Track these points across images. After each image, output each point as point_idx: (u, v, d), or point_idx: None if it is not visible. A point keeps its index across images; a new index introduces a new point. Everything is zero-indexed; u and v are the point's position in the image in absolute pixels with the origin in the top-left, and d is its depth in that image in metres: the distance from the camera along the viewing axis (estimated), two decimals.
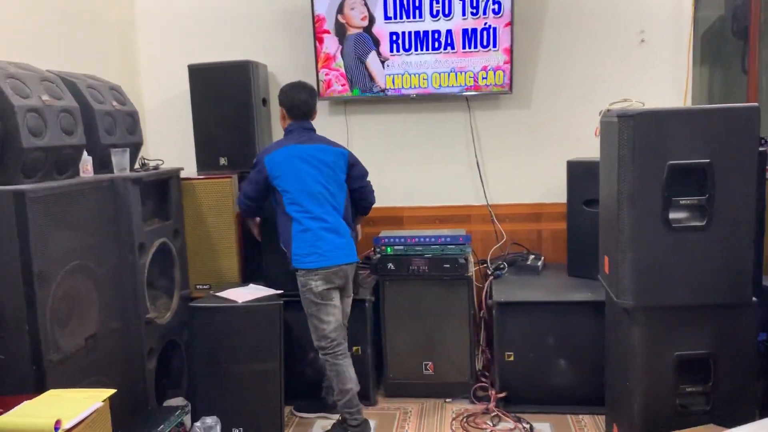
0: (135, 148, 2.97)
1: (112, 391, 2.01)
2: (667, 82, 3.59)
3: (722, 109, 2.28)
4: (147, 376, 2.80)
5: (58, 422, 1.74)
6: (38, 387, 2.20)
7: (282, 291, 3.03)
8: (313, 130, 3.07)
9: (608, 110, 2.49)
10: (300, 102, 3.03)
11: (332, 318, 2.88)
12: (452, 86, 3.64)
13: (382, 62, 3.67)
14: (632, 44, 3.61)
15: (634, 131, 2.28)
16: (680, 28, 3.57)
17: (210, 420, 2.75)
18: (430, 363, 3.35)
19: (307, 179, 2.90)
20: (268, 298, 2.93)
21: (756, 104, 2.24)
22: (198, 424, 2.74)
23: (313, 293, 2.85)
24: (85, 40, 3.43)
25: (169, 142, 3.87)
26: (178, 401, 3.01)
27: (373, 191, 3.21)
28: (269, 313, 2.84)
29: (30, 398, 1.96)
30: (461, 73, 3.62)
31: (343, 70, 3.71)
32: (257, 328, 2.83)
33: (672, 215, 2.32)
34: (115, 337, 2.65)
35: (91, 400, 1.92)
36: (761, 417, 2.46)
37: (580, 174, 3.31)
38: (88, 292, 2.51)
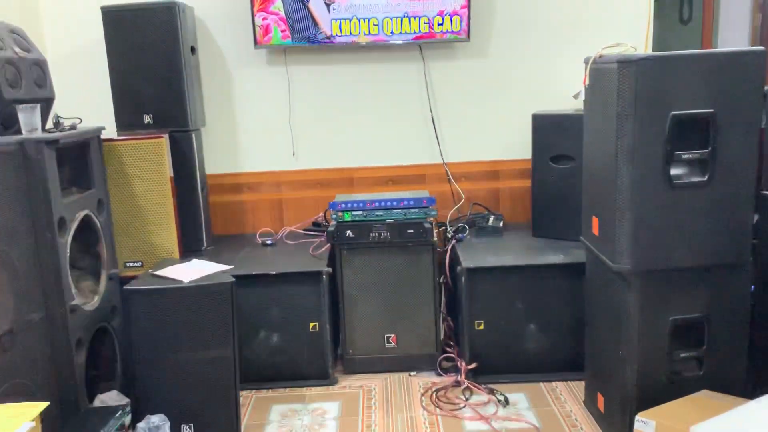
0: (46, 104, 2.48)
1: (44, 405, 1.63)
2: (628, 29, 3.41)
3: (727, 54, 2.09)
4: (77, 373, 2.39)
5: None
6: None
7: (232, 266, 2.66)
8: None
9: (601, 56, 2.25)
10: None
11: None
12: (405, 33, 3.31)
13: (327, 5, 3.28)
14: None
15: (635, 78, 2.06)
16: None
17: (156, 419, 2.38)
18: (393, 335, 3.10)
19: None
20: (217, 276, 2.55)
21: (763, 48, 2.06)
22: (142, 425, 2.37)
23: None
24: None
25: (80, 97, 3.30)
26: (111, 396, 2.61)
27: None
28: (220, 292, 2.47)
29: None
30: (415, 18, 3.29)
31: (282, 14, 3.29)
32: (207, 311, 2.45)
33: (672, 171, 2.14)
34: (35, 330, 2.22)
35: (18, 419, 1.54)
36: (749, 380, 2.39)
37: (546, 128, 3.11)
38: (0, 280, 2.07)
